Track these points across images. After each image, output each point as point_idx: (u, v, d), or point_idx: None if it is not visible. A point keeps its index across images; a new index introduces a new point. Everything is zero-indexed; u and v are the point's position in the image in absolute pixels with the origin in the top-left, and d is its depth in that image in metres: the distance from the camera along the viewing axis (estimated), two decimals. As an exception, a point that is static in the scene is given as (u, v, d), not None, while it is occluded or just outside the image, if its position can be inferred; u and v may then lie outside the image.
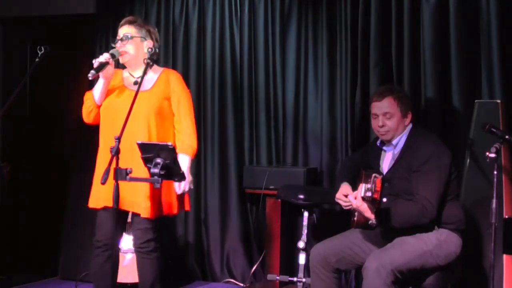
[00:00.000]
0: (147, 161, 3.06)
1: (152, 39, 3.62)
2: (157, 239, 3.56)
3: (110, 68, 3.51)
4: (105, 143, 3.54)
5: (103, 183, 2.94)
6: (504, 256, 3.68)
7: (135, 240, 3.58)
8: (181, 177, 3.11)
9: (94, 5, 5.38)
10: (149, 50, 3.38)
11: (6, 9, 5.56)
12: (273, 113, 4.93)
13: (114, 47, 3.56)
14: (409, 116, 3.44)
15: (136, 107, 3.30)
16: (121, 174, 2.97)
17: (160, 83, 3.58)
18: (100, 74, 3.49)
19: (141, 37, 3.58)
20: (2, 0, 5.52)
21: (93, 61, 3.47)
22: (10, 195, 5.41)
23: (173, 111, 3.61)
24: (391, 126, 3.40)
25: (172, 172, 3.06)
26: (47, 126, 5.74)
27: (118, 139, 2.99)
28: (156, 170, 2.99)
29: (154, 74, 3.60)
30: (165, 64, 5.14)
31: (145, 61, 3.35)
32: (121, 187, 3.27)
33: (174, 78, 3.63)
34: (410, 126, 3.45)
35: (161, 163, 3.00)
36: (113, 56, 3.50)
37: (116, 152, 2.96)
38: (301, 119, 4.85)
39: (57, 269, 5.03)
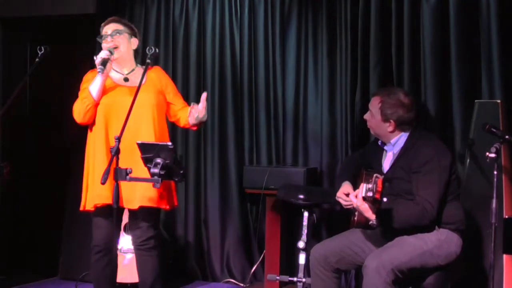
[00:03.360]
0: (147, 161, 3.07)
1: (136, 37, 3.65)
2: (157, 237, 3.55)
3: (109, 65, 3.47)
4: (107, 141, 3.45)
5: (103, 183, 2.95)
6: (504, 256, 3.68)
7: (134, 238, 3.57)
8: (181, 177, 3.12)
9: (94, 5, 5.37)
10: (150, 50, 3.36)
11: (6, 9, 5.55)
12: (273, 113, 4.93)
13: (101, 42, 3.56)
14: (392, 124, 3.37)
15: (138, 102, 3.27)
16: (121, 174, 2.98)
17: (151, 79, 3.58)
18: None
19: (129, 33, 3.61)
20: (2, 0, 5.52)
21: (95, 58, 3.45)
22: (10, 195, 5.41)
23: (171, 102, 3.68)
24: (371, 124, 3.48)
25: (172, 172, 3.06)
26: (47, 125, 5.73)
27: (118, 139, 2.99)
28: (156, 170, 3.00)
29: (140, 71, 3.57)
30: (165, 64, 5.14)
31: (146, 59, 3.36)
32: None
33: (162, 74, 3.70)
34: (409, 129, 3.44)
35: (161, 163, 3.01)
36: (111, 52, 3.49)
37: (116, 152, 2.97)
38: (301, 119, 4.84)
39: (57, 269, 5.03)
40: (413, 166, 3.28)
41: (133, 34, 3.63)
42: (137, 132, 3.42)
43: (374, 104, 3.44)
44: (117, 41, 3.55)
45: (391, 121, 3.37)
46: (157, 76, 3.64)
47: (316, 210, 4.53)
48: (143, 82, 3.34)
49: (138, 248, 3.55)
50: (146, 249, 3.53)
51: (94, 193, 3.45)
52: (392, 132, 3.40)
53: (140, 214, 3.50)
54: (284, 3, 4.89)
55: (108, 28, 3.58)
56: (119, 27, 3.59)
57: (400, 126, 3.39)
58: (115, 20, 3.64)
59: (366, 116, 3.50)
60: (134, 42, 3.63)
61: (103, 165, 3.33)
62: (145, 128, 3.47)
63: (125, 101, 3.38)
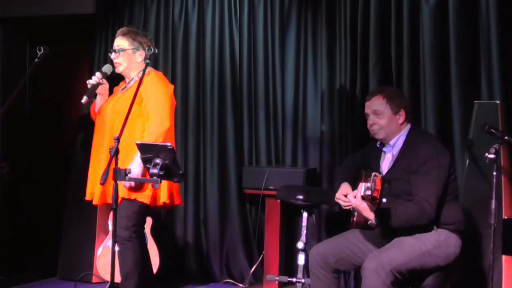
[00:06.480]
0: (146, 161, 3.07)
1: (143, 49, 3.72)
2: (134, 228, 3.57)
3: (103, 86, 3.82)
4: (94, 145, 3.80)
5: (102, 183, 2.96)
6: (503, 257, 3.68)
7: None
8: (180, 177, 3.12)
9: (94, 5, 5.37)
10: (149, 50, 3.51)
11: (6, 9, 5.55)
12: (273, 113, 4.93)
13: (110, 55, 3.79)
14: (402, 114, 3.40)
15: (106, 107, 3.66)
16: (120, 174, 2.98)
17: (136, 85, 3.58)
18: (96, 91, 3.80)
19: (133, 48, 3.73)
20: (2, 0, 5.52)
21: (87, 82, 3.76)
22: (9, 195, 5.41)
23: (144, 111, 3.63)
24: (382, 124, 3.40)
25: (171, 172, 3.06)
26: (47, 125, 5.74)
27: (118, 139, 3.00)
28: (155, 171, 3.00)
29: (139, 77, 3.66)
30: (165, 64, 5.15)
31: (145, 60, 3.53)
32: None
33: (149, 79, 3.65)
34: (409, 126, 3.44)
35: (160, 163, 3.01)
36: (104, 74, 3.77)
37: (115, 153, 2.97)
38: (301, 119, 4.84)
39: (56, 269, 5.02)
40: (412, 166, 3.27)
41: (140, 47, 3.72)
42: (110, 136, 3.60)
43: (378, 103, 3.41)
44: (119, 59, 3.74)
45: (402, 110, 3.39)
46: (144, 81, 3.58)
47: (315, 211, 4.54)
48: (130, 87, 3.68)
49: (118, 238, 3.54)
50: (122, 239, 3.55)
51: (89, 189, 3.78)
52: (402, 123, 3.40)
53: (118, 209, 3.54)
54: (284, 3, 4.89)
55: (116, 42, 3.77)
56: (123, 43, 3.73)
57: (408, 115, 3.41)
58: (123, 33, 3.77)
59: (370, 121, 3.44)
60: (140, 54, 3.73)
61: (92, 163, 3.77)
62: (107, 132, 3.65)
63: (106, 108, 3.73)
